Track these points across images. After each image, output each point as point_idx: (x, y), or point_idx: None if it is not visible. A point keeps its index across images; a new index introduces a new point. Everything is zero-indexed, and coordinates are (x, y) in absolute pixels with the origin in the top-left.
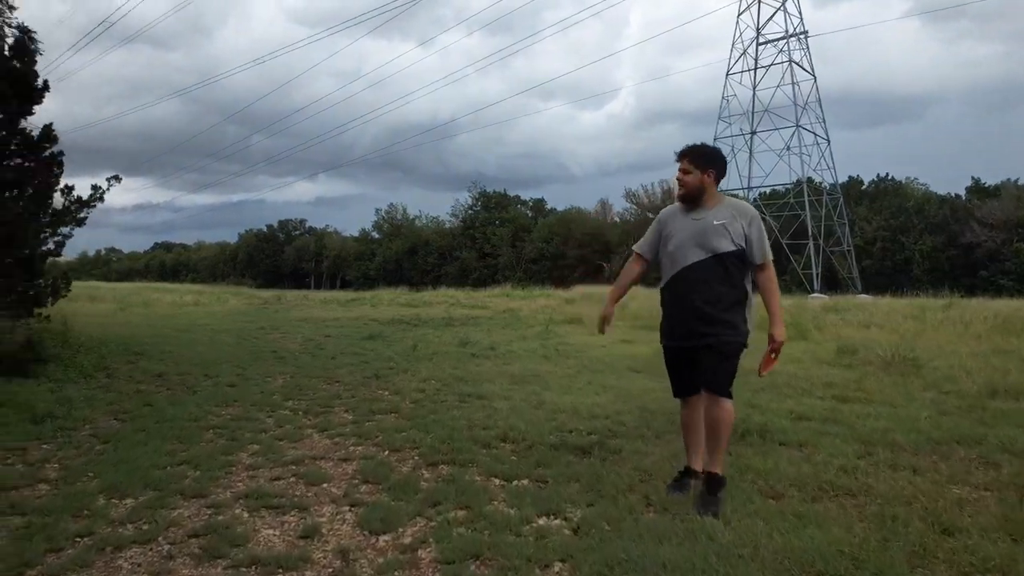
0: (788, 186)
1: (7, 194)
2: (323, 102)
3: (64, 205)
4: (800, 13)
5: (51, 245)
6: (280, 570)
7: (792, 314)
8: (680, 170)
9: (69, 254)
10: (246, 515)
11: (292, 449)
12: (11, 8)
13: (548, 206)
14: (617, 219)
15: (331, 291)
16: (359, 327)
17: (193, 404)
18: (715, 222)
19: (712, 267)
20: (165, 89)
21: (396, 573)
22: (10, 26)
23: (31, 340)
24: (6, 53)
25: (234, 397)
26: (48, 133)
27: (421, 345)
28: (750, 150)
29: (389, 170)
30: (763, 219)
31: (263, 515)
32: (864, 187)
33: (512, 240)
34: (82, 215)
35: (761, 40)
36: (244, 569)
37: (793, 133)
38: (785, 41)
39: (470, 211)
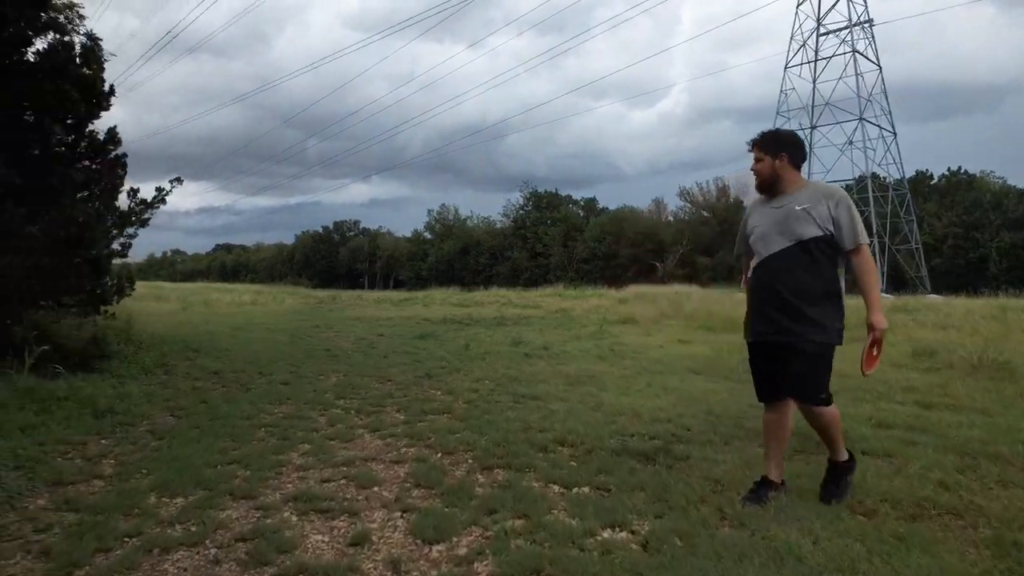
0: (851, 182)
1: (78, 195)
2: (376, 105)
3: (129, 207)
4: (864, 1)
5: (117, 246)
6: None
7: (858, 315)
8: (753, 159)
9: (137, 256)
10: (295, 519)
11: (343, 449)
12: (81, 17)
13: (600, 205)
14: (671, 218)
15: (384, 291)
16: (411, 326)
17: (247, 402)
18: (797, 207)
19: (796, 255)
20: (226, 96)
21: None
22: (79, 33)
23: (96, 337)
24: (77, 61)
25: (287, 395)
26: (113, 136)
27: (473, 344)
28: (810, 145)
29: (441, 172)
30: None
31: (312, 519)
32: (933, 182)
33: (564, 240)
34: (146, 216)
35: (822, 31)
36: None
37: (856, 127)
38: (848, 31)
39: (521, 211)
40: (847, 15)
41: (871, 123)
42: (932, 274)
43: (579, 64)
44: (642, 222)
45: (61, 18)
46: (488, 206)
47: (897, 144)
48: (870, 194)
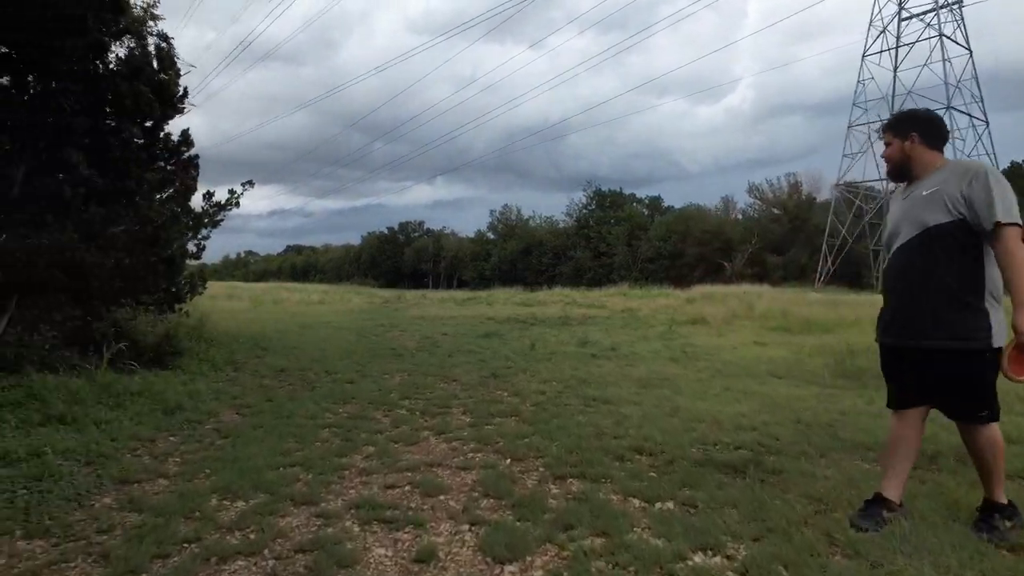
0: None
1: (156, 196)
2: (439, 107)
3: (203, 208)
4: None
5: (192, 247)
6: None
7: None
8: (884, 145)
9: (214, 257)
10: (357, 528)
11: (408, 453)
12: (155, 19)
13: (665, 204)
14: (740, 216)
15: (448, 290)
16: (475, 325)
17: (311, 401)
18: (925, 192)
19: (922, 246)
20: (296, 102)
21: None
22: (152, 35)
23: (169, 334)
24: (154, 65)
25: (352, 395)
26: (186, 137)
27: (539, 344)
28: None
29: (503, 172)
30: None
31: (375, 530)
32: None
33: (628, 239)
34: (219, 218)
35: (904, 15)
36: None
37: (943, 116)
38: (934, 13)
39: (585, 210)
40: None
41: (960, 112)
42: None
43: (642, 61)
44: (709, 220)
45: (137, 23)
46: (550, 206)
47: (990, 134)
48: None
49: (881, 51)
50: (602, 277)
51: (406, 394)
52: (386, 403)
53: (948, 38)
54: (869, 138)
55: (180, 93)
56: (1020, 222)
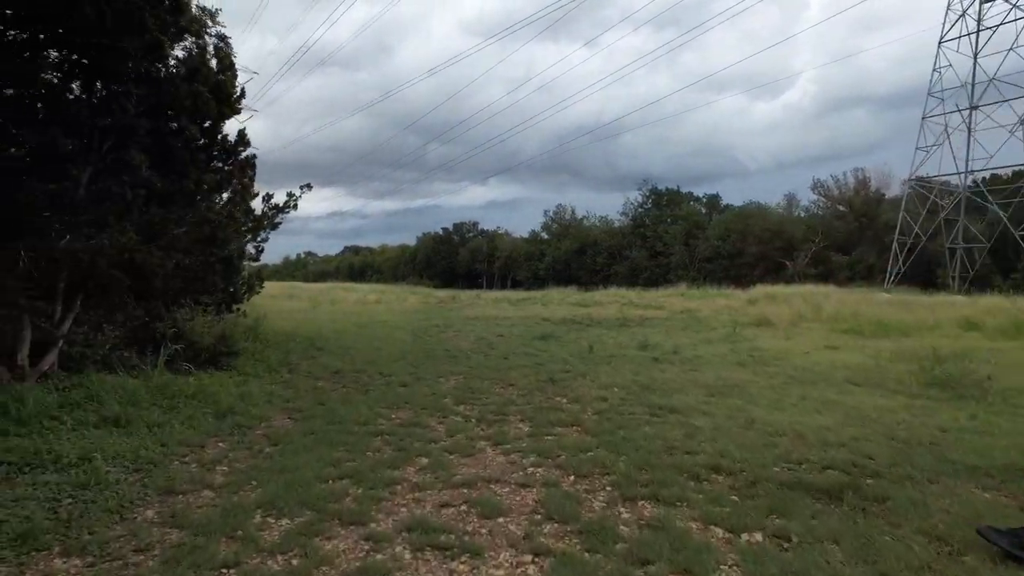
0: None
1: (213, 197)
2: (493, 108)
3: (263, 211)
4: None
5: (252, 249)
6: None
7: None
8: None
9: (274, 258)
10: (407, 555)
11: (463, 466)
12: (214, 20)
13: (723, 202)
14: (803, 213)
15: (502, 291)
16: (530, 326)
17: (364, 405)
18: None
19: None
20: (354, 105)
21: None
22: (210, 35)
23: (225, 335)
24: (212, 65)
25: (405, 399)
26: (242, 137)
27: (597, 347)
28: (969, 128)
29: (557, 172)
30: (987, 208)
31: (427, 557)
32: None
33: (685, 238)
34: (277, 220)
35: None
36: None
37: None
38: None
39: (641, 209)
40: None
41: None
42: None
43: (697, 58)
44: (770, 218)
45: (196, 24)
46: (604, 206)
47: None
48: None
49: (960, 36)
50: (658, 277)
51: (461, 399)
52: (440, 409)
53: None
54: (946, 130)
55: (237, 93)
56: None
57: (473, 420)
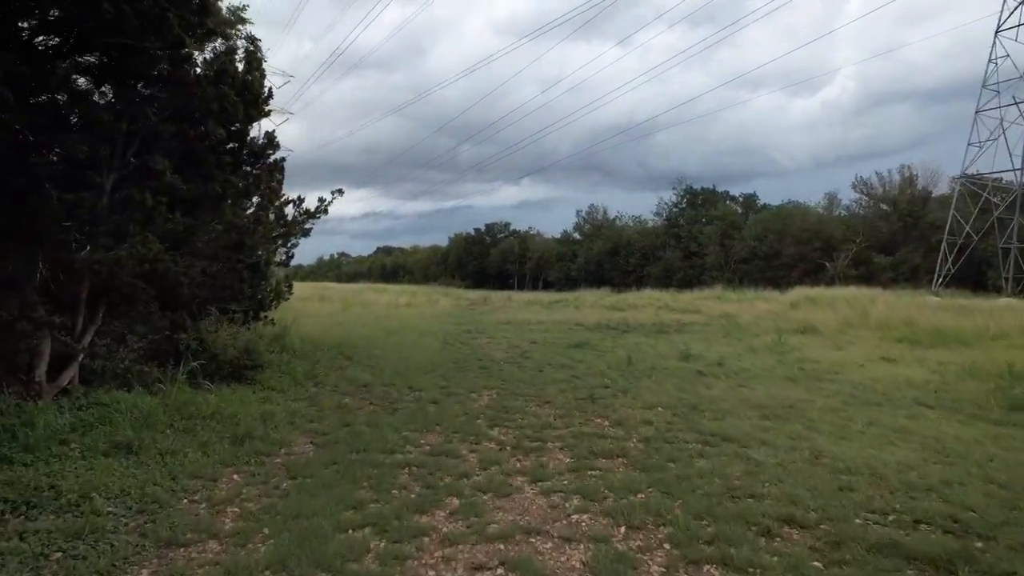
0: None
1: (241, 202)
2: (526, 108)
3: (293, 216)
4: None
5: (282, 255)
6: None
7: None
8: None
9: (308, 259)
10: None
11: (499, 510)
12: (243, 21)
13: (760, 202)
14: (844, 212)
15: (534, 292)
16: (564, 332)
17: (391, 428)
18: None
19: None
20: (388, 107)
21: None
22: (240, 37)
23: (249, 348)
24: (239, 68)
25: (435, 419)
26: (271, 140)
27: (636, 357)
28: None
29: (589, 172)
30: None
31: None
32: None
33: (720, 238)
34: (308, 226)
35: None
36: None
37: None
38: None
39: (675, 209)
40: None
41: None
42: None
43: (733, 55)
44: (809, 218)
45: (225, 25)
46: (637, 205)
47: None
48: None
49: (1019, 25)
50: (692, 278)
51: (495, 420)
52: (473, 432)
53: None
54: (1001, 124)
55: (265, 95)
56: None
57: (508, 448)
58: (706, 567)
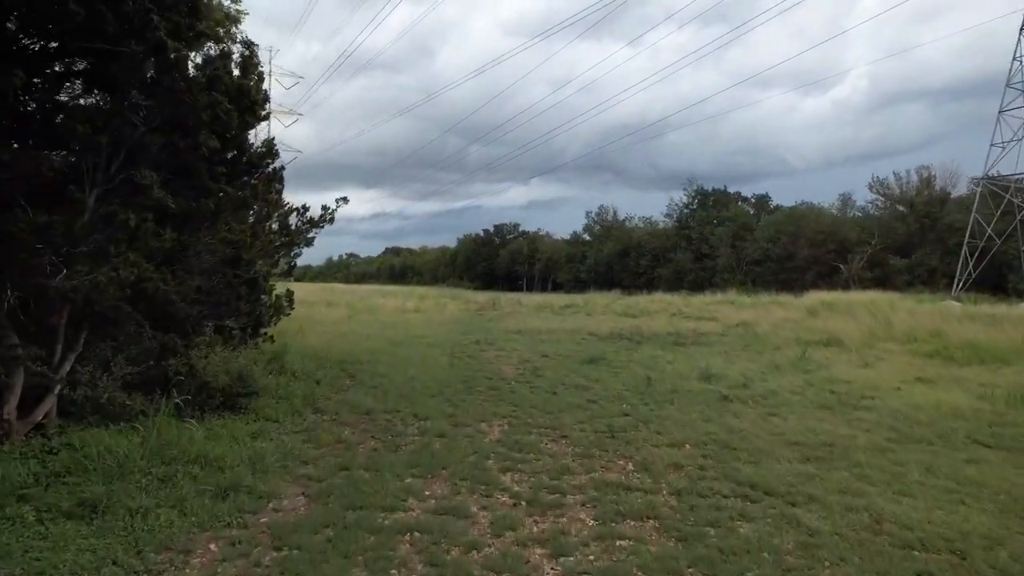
0: None
1: (237, 214)
2: (536, 108)
3: (296, 225)
4: None
5: (284, 265)
6: None
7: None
8: None
9: (317, 259)
10: None
11: None
12: (236, 23)
13: (772, 203)
14: (858, 214)
15: (543, 294)
16: (576, 343)
17: (392, 474)
18: None
19: None
20: (396, 108)
21: None
22: (235, 41)
23: (242, 374)
24: (234, 72)
25: (442, 460)
26: (270, 148)
27: (655, 377)
28: None
29: (599, 172)
30: None
31: None
32: None
33: (732, 240)
34: (311, 235)
35: None
36: None
37: None
38: None
39: (686, 210)
40: None
41: None
42: None
43: (744, 55)
44: (822, 219)
45: (218, 27)
46: (648, 206)
47: None
48: None
49: None
50: (704, 280)
51: (507, 461)
52: (483, 480)
53: None
54: None
55: (261, 100)
56: None
57: (523, 503)
58: None
